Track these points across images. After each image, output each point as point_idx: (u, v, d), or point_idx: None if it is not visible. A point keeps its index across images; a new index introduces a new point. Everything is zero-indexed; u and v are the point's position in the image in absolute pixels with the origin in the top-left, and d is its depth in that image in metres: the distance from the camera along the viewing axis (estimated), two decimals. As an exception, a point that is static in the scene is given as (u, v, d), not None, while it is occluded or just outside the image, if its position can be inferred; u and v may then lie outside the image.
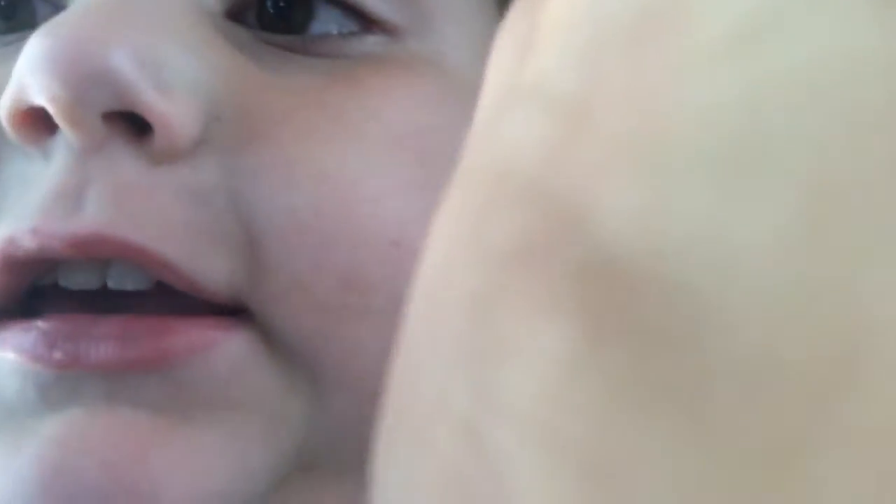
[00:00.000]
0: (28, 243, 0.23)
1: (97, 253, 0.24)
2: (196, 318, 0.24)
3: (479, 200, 0.13)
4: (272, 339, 0.25)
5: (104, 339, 0.23)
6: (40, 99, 0.23)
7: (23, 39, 0.25)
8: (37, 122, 0.24)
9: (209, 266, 0.24)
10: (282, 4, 0.26)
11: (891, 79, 0.09)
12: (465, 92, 0.26)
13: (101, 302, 0.25)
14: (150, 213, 0.24)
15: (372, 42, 0.27)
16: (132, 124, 0.24)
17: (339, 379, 0.25)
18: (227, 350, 0.24)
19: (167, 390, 0.24)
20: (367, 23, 0.27)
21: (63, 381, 0.23)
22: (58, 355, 0.23)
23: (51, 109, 0.23)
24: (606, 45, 0.12)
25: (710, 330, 0.09)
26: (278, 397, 0.25)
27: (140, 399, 0.24)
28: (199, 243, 0.24)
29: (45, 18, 0.25)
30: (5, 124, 0.24)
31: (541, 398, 0.10)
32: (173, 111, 0.24)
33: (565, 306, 0.11)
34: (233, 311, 0.25)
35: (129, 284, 0.25)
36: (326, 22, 0.27)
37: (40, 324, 0.24)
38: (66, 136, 0.24)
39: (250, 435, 0.25)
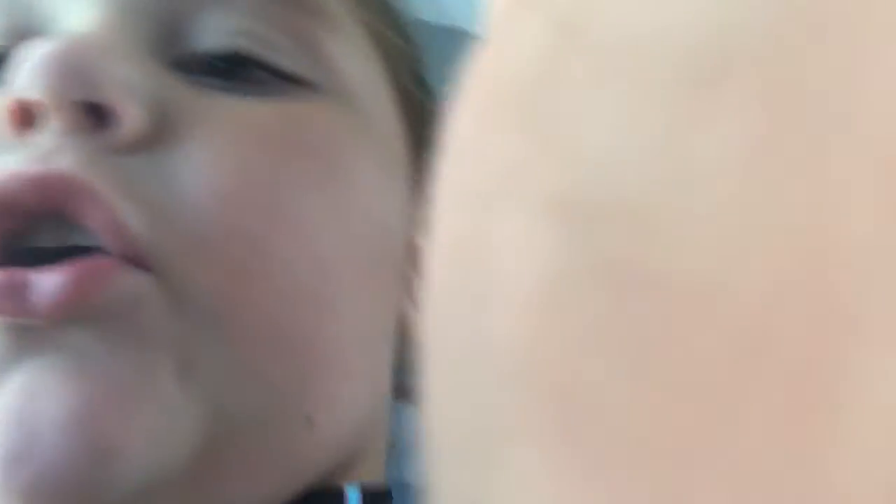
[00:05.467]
0: (3, 187, 0.29)
1: (56, 194, 0.29)
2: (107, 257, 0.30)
3: (476, 121, 0.12)
4: (171, 288, 0.30)
5: (45, 287, 0.29)
6: (34, 91, 0.30)
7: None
8: (24, 115, 0.31)
9: (137, 219, 0.30)
10: (218, 62, 0.34)
11: None
12: (366, 119, 0.36)
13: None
14: (100, 174, 0.30)
15: (296, 88, 0.34)
16: (97, 119, 0.31)
17: (238, 334, 0.30)
18: (129, 280, 0.29)
19: (102, 332, 0.29)
20: (295, 80, 0.34)
21: (23, 337, 0.29)
22: (5, 306, 0.28)
23: (42, 96, 0.30)
24: None
25: (666, 256, 0.09)
26: (185, 343, 0.30)
27: (82, 347, 0.29)
28: (132, 202, 0.30)
29: None
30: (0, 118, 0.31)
31: (520, 336, 0.10)
32: (130, 107, 0.31)
33: (543, 241, 0.10)
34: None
35: (84, 241, 0.30)
36: (260, 76, 0.34)
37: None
38: (49, 121, 0.30)
39: (166, 374, 0.29)
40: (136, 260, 0.30)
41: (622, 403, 0.09)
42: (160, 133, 0.31)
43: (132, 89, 0.31)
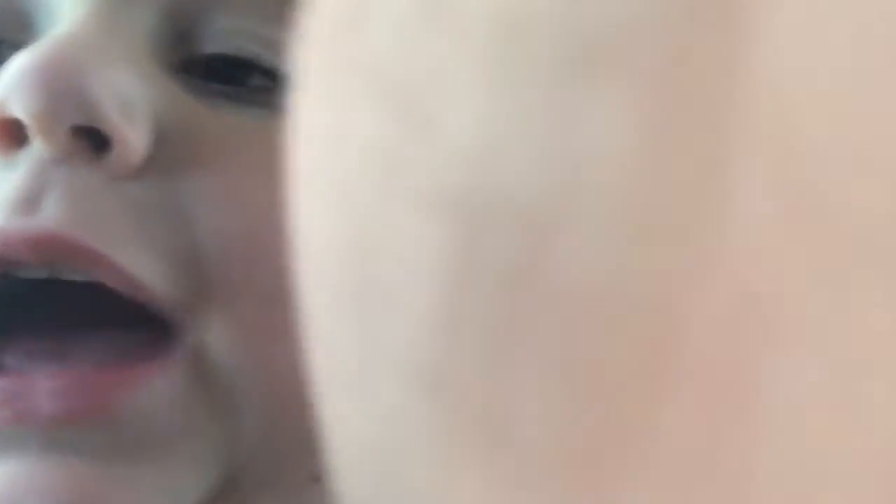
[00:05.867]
0: None
1: (51, 253, 0.26)
2: (130, 362, 0.27)
3: (329, 100, 0.11)
4: (200, 362, 0.28)
5: (47, 398, 0.26)
6: (18, 111, 0.26)
7: None
8: (9, 134, 0.27)
9: (152, 272, 0.27)
10: (223, 65, 0.30)
11: None
12: None
13: (51, 340, 0.28)
14: (101, 219, 0.27)
15: None
16: (93, 143, 0.27)
17: (254, 396, 0.28)
18: (160, 388, 0.27)
19: (105, 436, 0.27)
20: None
21: (5, 434, 0.26)
22: (5, 414, 0.26)
23: (27, 121, 0.26)
24: None
25: (560, 259, 0.08)
26: (204, 423, 0.28)
27: (78, 446, 0.26)
28: (143, 251, 0.27)
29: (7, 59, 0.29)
30: None
31: (421, 343, 0.10)
32: (130, 130, 0.27)
33: (436, 242, 0.09)
34: (166, 326, 0.28)
35: (78, 276, 0.27)
36: (262, 83, 0.31)
37: None
38: (35, 147, 0.27)
39: (180, 464, 0.27)
40: (162, 325, 0.27)
41: (530, 411, 0.09)
42: (163, 154, 0.28)
43: (131, 105, 0.27)
